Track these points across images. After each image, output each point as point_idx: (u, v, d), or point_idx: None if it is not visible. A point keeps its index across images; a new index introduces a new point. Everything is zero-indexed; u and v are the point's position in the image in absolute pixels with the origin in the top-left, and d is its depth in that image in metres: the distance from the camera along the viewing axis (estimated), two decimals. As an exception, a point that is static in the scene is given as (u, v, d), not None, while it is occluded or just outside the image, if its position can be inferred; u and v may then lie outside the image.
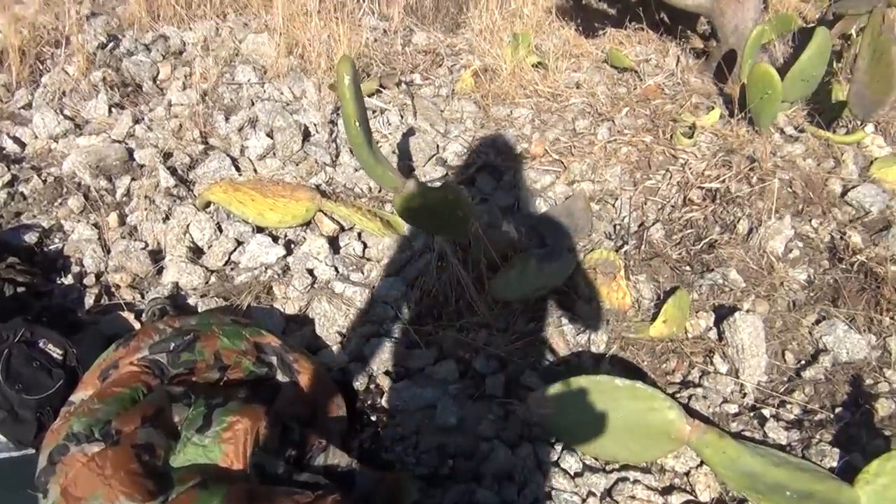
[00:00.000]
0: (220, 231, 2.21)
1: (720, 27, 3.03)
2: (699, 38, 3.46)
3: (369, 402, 1.80)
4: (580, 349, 1.93)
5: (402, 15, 3.73)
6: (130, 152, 2.55)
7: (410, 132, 2.74)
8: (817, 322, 1.98)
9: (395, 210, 1.96)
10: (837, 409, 1.75)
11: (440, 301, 2.04)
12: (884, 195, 2.37)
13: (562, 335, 1.93)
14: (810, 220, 2.30)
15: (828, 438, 1.67)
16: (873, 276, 2.04)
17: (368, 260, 2.20)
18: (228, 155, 2.54)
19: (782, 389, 1.83)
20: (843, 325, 1.93)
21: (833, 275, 2.10)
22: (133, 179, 2.43)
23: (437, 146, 2.72)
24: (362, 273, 2.13)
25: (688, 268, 2.17)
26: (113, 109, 2.79)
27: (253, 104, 2.85)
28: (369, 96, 2.94)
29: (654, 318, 1.96)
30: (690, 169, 2.54)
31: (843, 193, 2.42)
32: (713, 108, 2.87)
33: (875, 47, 2.47)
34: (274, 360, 1.68)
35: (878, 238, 2.22)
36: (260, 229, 2.22)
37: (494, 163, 2.63)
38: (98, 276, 2.09)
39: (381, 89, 3.02)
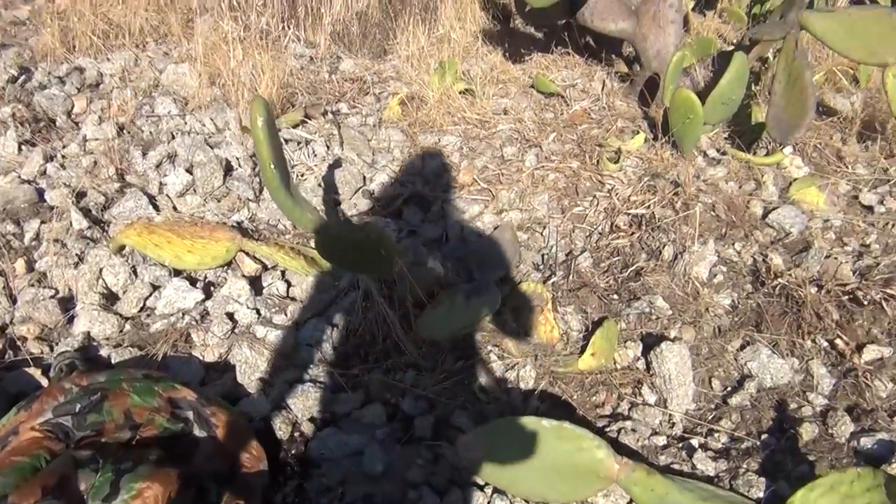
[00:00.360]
0: (136, 275, 2.12)
1: (643, 52, 3.07)
2: (624, 62, 3.50)
3: (293, 452, 1.73)
4: (509, 386, 1.90)
5: (328, 42, 3.69)
6: (41, 193, 2.43)
7: (337, 163, 2.69)
8: (742, 347, 2.00)
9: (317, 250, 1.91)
10: (763, 436, 1.76)
11: (367, 341, 2.00)
12: (803, 216, 2.43)
13: (491, 372, 1.90)
14: (733, 244, 2.33)
15: (754, 467, 1.67)
16: (794, 299, 2.07)
17: (293, 300, 2.14)
18: (146, 193, 2.44)
19: (710, 417, 1.83)
20: (766, 350, 1.95)
21: (756, 299, 2.12)
22: (43, 222, 2.32)
23: (364, 177, 2.68)
24: (286, 315, 2.07)
25: (615, 296, 2.18)
26: (23, 147, 2.67)
27: (173, 138, 2.77)
28: (294, 127, 2.89)
29: (582, 351, 1.95)
30: (617, 194, 2.55)
31: (765, 215, 2.46)
32: (638, 132, 2.90)
33: (790, 72, 2.53)
34: (190, 414, 1.61)
35: (799, 259, 2.26)
36: (177, 272, 2.14)
37: (422, 193, 2.60)
38: (3, 328, 1.97)
39: (307, 119, 2.96)
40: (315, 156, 2.74)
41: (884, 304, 2.02)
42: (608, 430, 1.79)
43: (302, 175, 2.65)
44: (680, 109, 2.59)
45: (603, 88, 3.27)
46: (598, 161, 2.71)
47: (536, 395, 1.87)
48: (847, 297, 2.07)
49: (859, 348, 1.95)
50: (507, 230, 2.32)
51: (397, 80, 3.41)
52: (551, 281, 2.21)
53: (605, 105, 3.12)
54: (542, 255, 2.34)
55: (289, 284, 2.18)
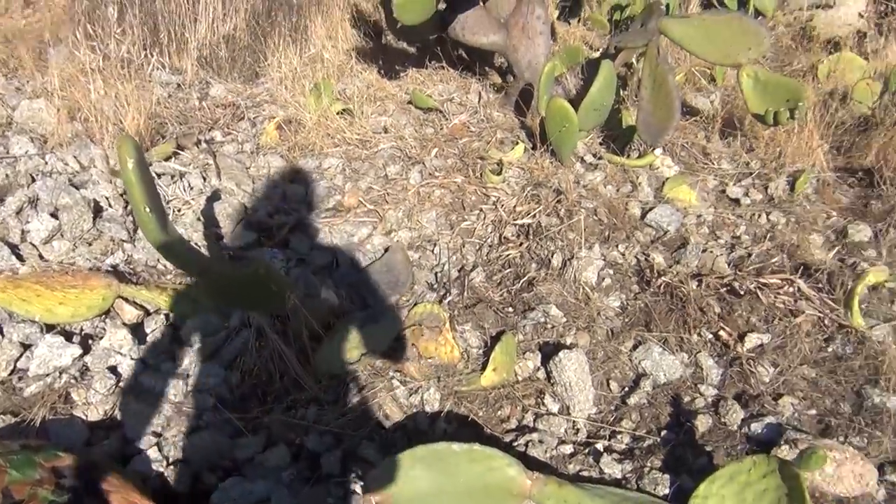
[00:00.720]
0: (2, 335, 1.95)
1: (515, 63, 3.14)
2: (497, 74, 3.57)
3: (195, 508, 1.65)
4: (415, 410, 1.88)
5: (195, 67, 3.56)
6: None
7: (215, 195, 2.59)
8: (635, 347, 2.07)
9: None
10: (663, 432, 1.82)
11: (264, 381, 1.92)
12: (678, 214, 2.54)
13: (394, 399, 1.87)
14: (617, 246, 2.41)
15: (657, 465, 1.72)
16: (678, 296, 2.16)
17: (181, 345, 2.03)
18: (6, 243, 2.26)
19: (611, 419, 1.88)
20: (657, 348, 2.02)
21: (643, 299, 2.20)
22: None
23: (246, 208, 2.59)
24: (174, 361, 1.96)
25: (511, 309, 2.20)
26: None
27: (33, 180, 2.58)
28: (166, 160, 2.76)
29: (483, 367, 1.96)
30: (502, 206, 2.59)
31: (643, 216, 2.56)
32: (517, 142, 2.95)
33: (654, 77, 2.65)
34: (77, 483, 1.49)
35: (678, 255, 2.36)
36: (50, 328, 1.99)
37: (308, 220, 2.54)
38: None
39: (179, 151, 2.84)
40: (191, 189, 2.63)
41: (758, 293, 2.14)
42: (516, 444, 1.79)
43: (179, 210, 2.53)
44: (555, 118, 2.66)
45: (480, 101, 3.31)
46: (481, 174, 2.74)
47: (443, 417, 1.86)
48: (725, 289, 2.18)
49: (741, 337, 2.05)
50: (398, 251, 2.30)
51: (272, 103, 3.33)
52: (447, 300, 2.21)
53: (484, 117, 3.17)
54: (436, 274, 2.33)
55: (175, 328, 2.07)
